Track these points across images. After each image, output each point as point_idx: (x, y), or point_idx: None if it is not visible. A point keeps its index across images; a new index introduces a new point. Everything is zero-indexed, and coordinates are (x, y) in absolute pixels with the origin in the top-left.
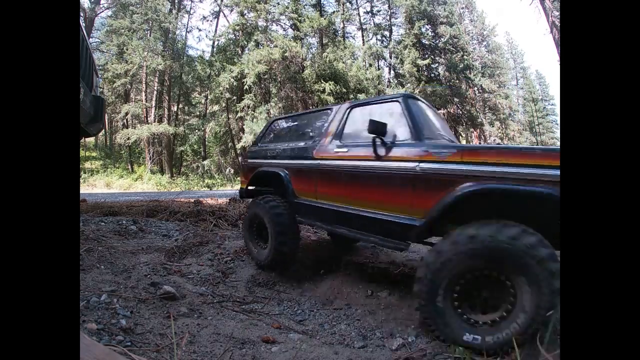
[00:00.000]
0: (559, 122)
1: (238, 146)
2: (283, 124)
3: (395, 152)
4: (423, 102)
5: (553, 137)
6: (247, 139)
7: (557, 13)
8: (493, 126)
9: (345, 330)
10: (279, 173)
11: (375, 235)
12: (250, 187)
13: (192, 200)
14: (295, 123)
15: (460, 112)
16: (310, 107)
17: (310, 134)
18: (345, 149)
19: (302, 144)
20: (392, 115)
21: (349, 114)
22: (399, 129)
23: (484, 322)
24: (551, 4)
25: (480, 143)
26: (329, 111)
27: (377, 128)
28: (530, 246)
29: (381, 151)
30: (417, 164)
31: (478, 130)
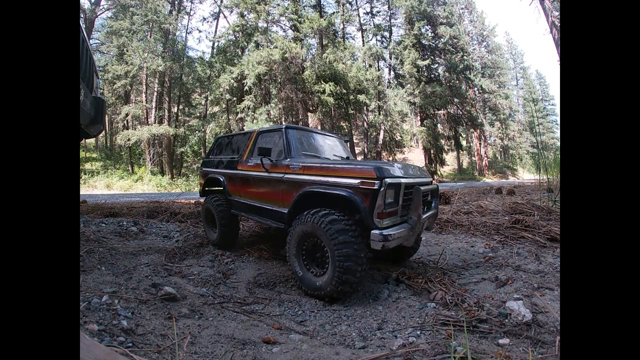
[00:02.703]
0: (559, 122)
1: None
2: (224, 140)
3: (274, 166)
4: (303, 129)
5: (553, 137)
6: None
7: (557, 13)
8: (493, 126)
9: (346, 330)
10: (219, 178)
11: (269, 219)
12: (206, 189)
13: (193, 201)
14: (231, 141)
15: (461, 113)
16: (311, 108)
17: (238, 150)
18: (253, 163)
19: (232, 157)
20: (279, 139)
21: (257, 137)
22: (279, 150)
23: (321, 273)
24: (551, 4)
25: (480, 143)
26: (249, 134)
27: (264, 151)
28: (329, 222)
29: (268, 166)
30: (283, 174)
31: (478, 130)
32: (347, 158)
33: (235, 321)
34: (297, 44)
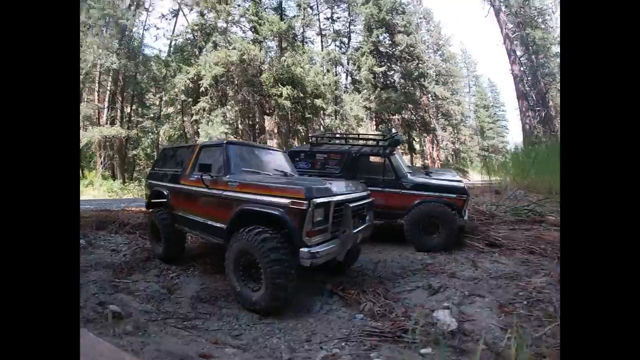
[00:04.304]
0: (508, 127)
1: None
2: (169, 153)
3: (214, 183)
4: (246, 144)
5: (503, 141)
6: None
7: (511, 25)
8: (445, 131)
9: (277, 343)
10: (163, 192)
11: (210, 235)
12: (152, 201)
13: (143, 209)
14: (175, 153)
15: (414, 118)
16: (267, 111)
17: (182, 163)
18: (195, 178)
19: (176, 171)
20: (219, 155)
21: (200, 151)
22: (219, 166)
23: (257, 288)
24: (505, 17)
25: (433, 147)
26: (192, 148)
27: (204, 167)
28: (261, 240)
29: (208, 182)
30: (222, 191)
31: (431, 135)
32: (285, 174)
33: (177, 337)
34: (256, 46)
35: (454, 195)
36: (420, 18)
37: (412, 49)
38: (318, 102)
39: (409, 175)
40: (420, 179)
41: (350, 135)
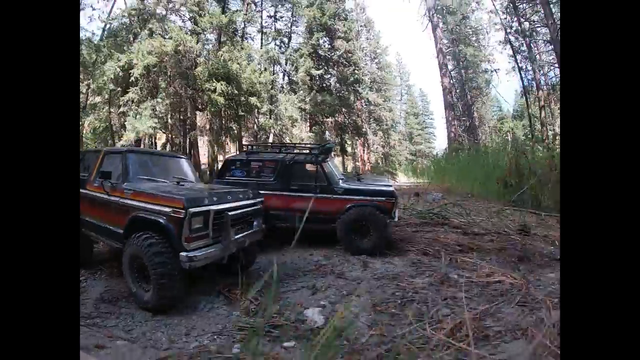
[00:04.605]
0: (435, 134)
1: (118, 144)
2: (80, 157)
3: (114, 189)
4: (147, 152)
5: (430, 147)
6: (129, 137)
7: (446, 41)
8: (376, 135)
9: (160, 337)
10: None
11: (111, 240)
12: None
13: None
14: (84, 157)
15: (347, 122)
16: (199, 106)
17: (89, 169)
18: (97, 184)
19: (83, 176)
20: (120, 162)
21: (103, 157)
22: (119, 173)
23: (149, 289)
24: (441, 33)
25: (364, 150)
26: (98, 153)
27: (104, 174)
28: (147, 245)
29: (108, 189)
30: (119, 198)
31: (363, 138)
32: (179, 182)
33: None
34: (193, 37)
35: (384, 199)
36: (361, 26)
37: (350, 55)
38: (253, 100)
39: (340, 182)
40: (351, 185)
41: (286, 144)
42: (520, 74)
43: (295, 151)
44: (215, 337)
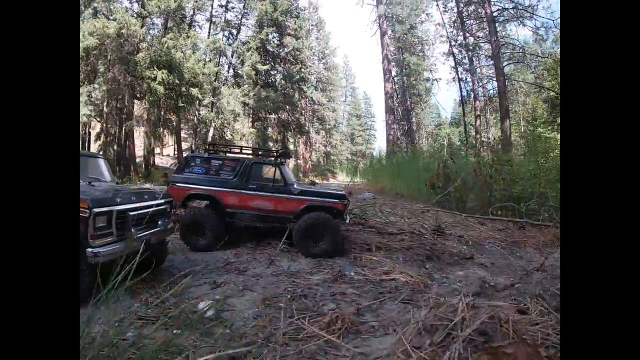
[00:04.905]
0: (376, 136)
1: None
2: None
3: None
4: None
5: (370, 148)
6: None
7: (392, 48)
8: (319, 134)
9: None
10: None
11: None
12: None
13: None
14: None
15: (290, 119)
16: (138, 95)
17: None
18: None
19: None
20: None
21: None
22: None
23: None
24: (389, 40)
25: (306, 148)
26: None
27: None
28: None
29: None
30: None
31: (305, 137)
32: (90, 182)
33: None
34: (138, 21)
35: (336, 200)
36: (312, 25)
37: (298, 53)
38: (194, 91)
39: (296, 184)
40: (307, 187)
41: (245, 147)
42: (460, 84)
43: (252, 153)
44: (116, 324)
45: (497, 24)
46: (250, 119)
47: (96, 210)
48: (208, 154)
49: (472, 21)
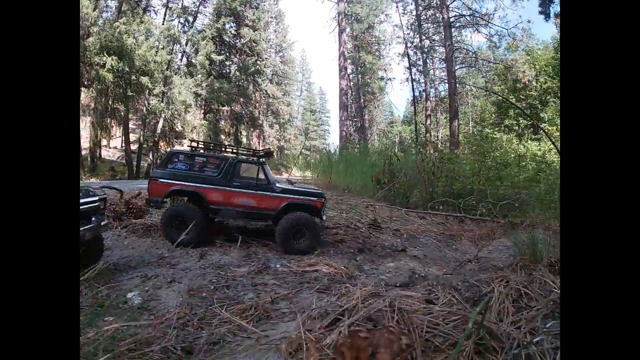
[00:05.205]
0: (330, 131)
1: None
2: None
3: None
4: None
5: (324, 143)
6: None
7: (349, 46)
8: (272, 128)
9: None
10: None
11: None
12: None
13: None
14: None
15: (244, 112)
16: (85, 82)
17: None
18: None
19: None
20: None
21: None
22: None
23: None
24: (346, 37)
25: (259, 142)
26: None
27: None
28: None
29: None
30: None
31: (258, 130)
32: None
33: None
34: (91, 2)
35: (315, 198)
36: (271, 17)
37: (254, 44)
38: (144, 80)
39: (277, 183)
40: (288, 186)
41: (228, 146)
42: (413, 84)
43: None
44: None
45: (453, 29)
46: (202, 111)
47: None
48: (191, 151)
49: (429, 25)
